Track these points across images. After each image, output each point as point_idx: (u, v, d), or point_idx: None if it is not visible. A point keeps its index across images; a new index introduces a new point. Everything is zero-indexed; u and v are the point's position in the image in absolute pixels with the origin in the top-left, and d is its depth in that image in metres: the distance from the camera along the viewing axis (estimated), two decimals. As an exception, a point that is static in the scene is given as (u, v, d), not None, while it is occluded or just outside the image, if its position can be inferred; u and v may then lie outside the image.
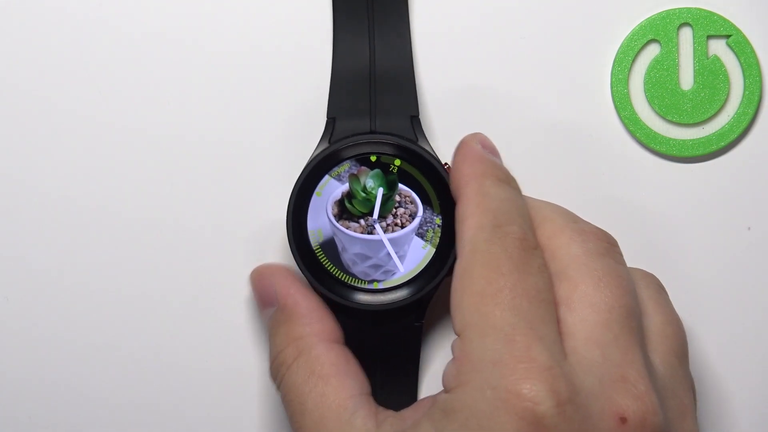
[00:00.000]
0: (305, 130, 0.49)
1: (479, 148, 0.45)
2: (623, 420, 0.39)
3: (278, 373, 0.44)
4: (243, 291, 0.50)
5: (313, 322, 0.44)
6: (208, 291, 0.50)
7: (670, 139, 0.51)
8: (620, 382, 0.40)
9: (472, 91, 0.50)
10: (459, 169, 0.44)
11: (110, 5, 0.50)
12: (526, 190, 0.50)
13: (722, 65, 0.50)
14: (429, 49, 0.50)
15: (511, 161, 0.50)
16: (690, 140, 0.51)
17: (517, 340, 0.39)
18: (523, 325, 0.39)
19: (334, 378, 0.43)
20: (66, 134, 0.50)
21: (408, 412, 0.43)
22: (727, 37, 0.50)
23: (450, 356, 0.43)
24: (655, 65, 0.51)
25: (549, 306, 0.41)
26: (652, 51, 0.51)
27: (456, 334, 0.41)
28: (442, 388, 0.42)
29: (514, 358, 0.39)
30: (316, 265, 0.46)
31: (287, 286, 0.45)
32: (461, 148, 0.45)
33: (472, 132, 0.47)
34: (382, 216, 0.46)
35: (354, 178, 0.46)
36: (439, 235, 0.46)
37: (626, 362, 0.40)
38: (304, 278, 0.46)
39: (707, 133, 0.51)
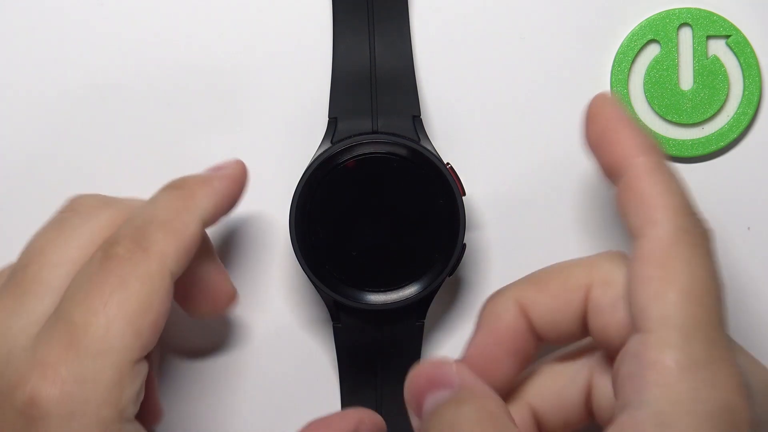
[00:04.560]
0: (307, 131, 0.49)
1: (624, 114, 0.42)
2: None
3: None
4: (245, 292, 0.50)
5: (501, 404, 0.41)
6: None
7: (669, 139, 0.51)
8: (755, 362, 0.42)
9: (473, 92, 0.50)
10: (621, 136, 0.41)
11: (110, 11, 0.50)
12: (527, 191, 0.50)
13: (722, 65, 0.51)
14: (430, 48, 0.50)
15: (511, 161, 0.50)
16: (690, 140, 0.51)
17: (717, 340, 0.38)
18: (718, 325, 0.38)
19: None
20: (68, 139, 0.50)
21: None
22: (727, 37, 0.51)
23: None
24: (654, 65, 0.51)
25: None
26: (652, 51, 0.51)
27: (639, 326, 0.38)
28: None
29: (720, 359, 0.38)
30: (320, 265, 0.46)
31: (469, 371, 0.43)
32: (607, 110, 0.42)
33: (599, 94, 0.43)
34: None
35: None
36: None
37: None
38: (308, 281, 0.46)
39: (707, 134, 0.51)
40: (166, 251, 0.41)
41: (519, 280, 0.43)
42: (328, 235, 0.46)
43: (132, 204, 0.44)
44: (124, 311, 0.39)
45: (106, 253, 0.41)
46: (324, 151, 0.46)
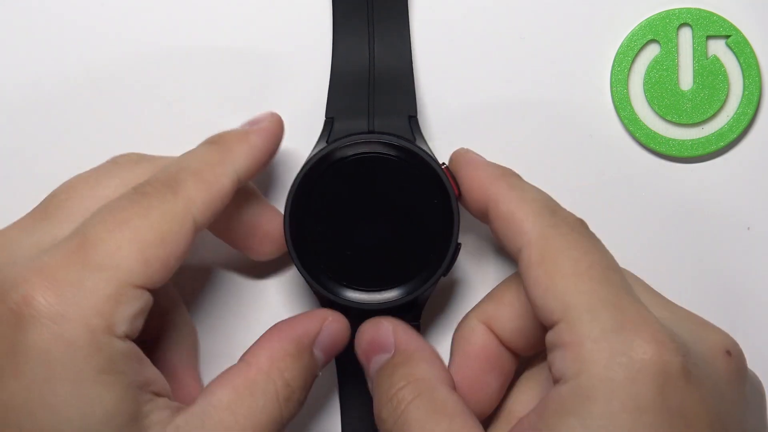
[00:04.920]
0: (306, 131, 0.49)
1: (480, 156, 0.46)
2: (729, 353, 0.41)
3: (396, 409, 0.43)
4: (243, 293, 0.51)
5: (435, 367, 0.44)
6: (206, 290, 0.51)
7: (669, 139, 0.51)
8: (702, 324, 0.42)
9: (472, 92, 0.50)
10: (475, 176, 0.45)
11: (111, 9, 0.50)
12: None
13: (722, 65, 0.51)
14: (428, 49, 0.50)
15: (510, 162, 0.50)
16: (689, 140, 0.51)
17: (626, 306, 0.39)
18: (623, 293, 0.40)
19: (459, 417, 0.42)
20: (65, 133, 0.51)
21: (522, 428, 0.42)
22: (727, 37, 0.51)
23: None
24: (654, 65, 0.51)
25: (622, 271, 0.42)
26: (652, 51, 0.51)
27: (549, 322, 0.40)
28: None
29: (633, 323, 0.39)
30: (315, 264, 0.47)
31: (407, 332, 0.45)
32: (462, 159, 0.46)
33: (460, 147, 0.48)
34: None
35: None
36: None
37: (686, 310, 0.43)
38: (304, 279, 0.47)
39: (707, 134, 0.51)
40: (194, 198, 0.42)
41: (480, 301, 0.46)
42: (323, 235, 0.46)
43: (168, 160, 0.45)
44: (138, 237, 0.40)
45: (136, 189, 0.42)
46: (319, 151, 0.46)
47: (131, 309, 0.40)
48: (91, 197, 0.43)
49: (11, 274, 0.40)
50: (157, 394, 0.41)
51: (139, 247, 0.40)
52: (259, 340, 0.45)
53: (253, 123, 0.46)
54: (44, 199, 0.44)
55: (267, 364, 0.43)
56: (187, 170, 0.43)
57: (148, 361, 0.42)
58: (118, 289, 0.40)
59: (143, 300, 0.41)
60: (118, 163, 0.45)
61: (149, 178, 0.42)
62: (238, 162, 0.44)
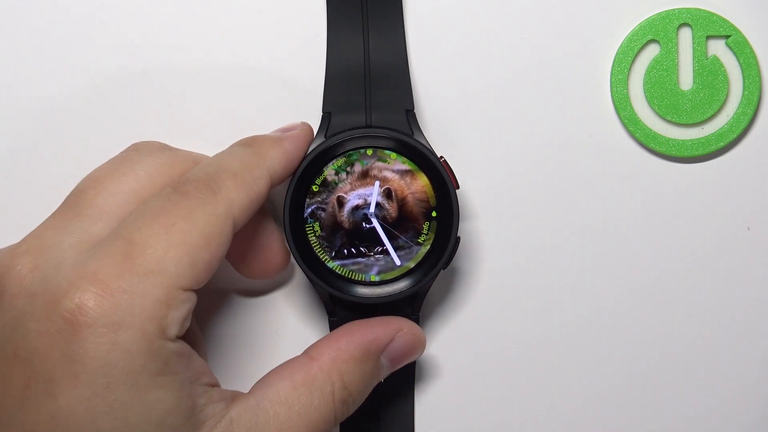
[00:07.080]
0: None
1: None
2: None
3: None
4: (241, 288, 0.51)
5: None
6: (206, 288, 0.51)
7: (669, 139, 0.51)
8: None
9: (469, 87, 0.50)
10: None
11: (109, 11, 0.51)
12: (525, 191, 0.50)
13: (721, 65, 0.51)
14: (426, 43, 0.50)
15: (510, 162, 0.50)
16: (689, 140, 0.51)
17: None
18: None
19: None
20: (66, 136, 0.51)
21: None
22: (727, 37, 0.51)
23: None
24: (654, 65, 0.51)
25: None
26: (652, 51, 0.51)
27: None
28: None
29: None
30: (314, 258, 0.47)
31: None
32: None
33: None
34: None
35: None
36: (435, 227, 0.47)
37: None
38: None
39: (706, 134, 0.51)
40: (234, 199, 0.42)
41: None
42: (322, 229, 0.46)
43: (190, 154, 0.46)
44: (184, 240, 0.40)
45: (176, 188, 0.42)
46: (317, 146, 0.46)
47: (181, 312, 0.40)
48: (119, 192, 0.43)
49: (60, 280, 0.40)
50: (209, 385, 0.42)
51: (186, 250, 0.40)
52: (327, 336, 0.45)
53: (284, 130, 0.47)
54: (70, 195, 0.44)
55: (329, 364, 0.44)
56: (226, 171, 0.43)
57: (195, 353, 0.42)
58: (168, 294, 0.40)
59: (191, 301, 0.41)
60: (140, 151, 0.45)
61: (188, 177, 0.42)
62: (272, 165, 0.44)
